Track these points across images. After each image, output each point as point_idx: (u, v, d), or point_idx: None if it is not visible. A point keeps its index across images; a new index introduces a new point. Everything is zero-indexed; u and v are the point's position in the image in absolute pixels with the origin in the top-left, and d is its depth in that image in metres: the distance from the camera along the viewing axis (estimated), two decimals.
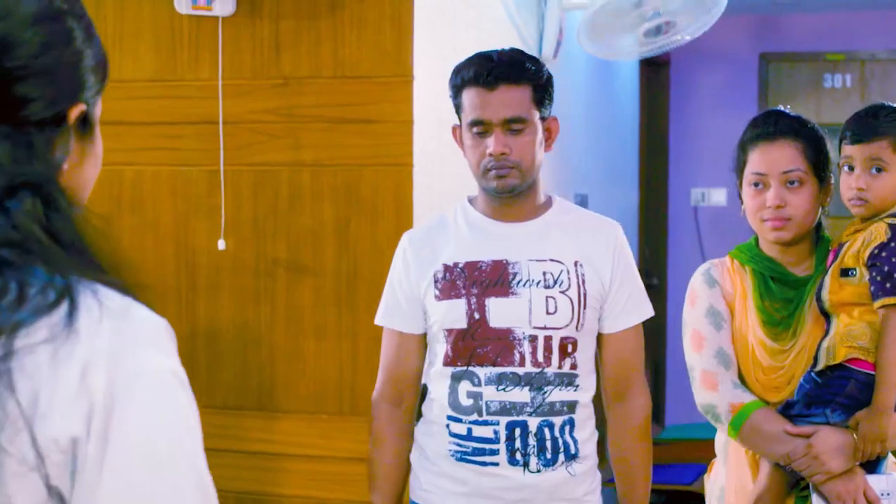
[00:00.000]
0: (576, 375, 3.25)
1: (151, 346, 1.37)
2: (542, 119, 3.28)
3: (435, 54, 4.36)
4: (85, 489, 1.27)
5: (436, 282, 3.29)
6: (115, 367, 1.30)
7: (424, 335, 3.38)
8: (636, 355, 3.41)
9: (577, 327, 3.24)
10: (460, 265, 3.28)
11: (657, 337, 8.69)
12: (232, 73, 4.38)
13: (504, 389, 3.21)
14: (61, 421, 1.26)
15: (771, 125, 3.32)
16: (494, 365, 3.21)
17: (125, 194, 4.50)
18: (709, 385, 3.31)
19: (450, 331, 3.26)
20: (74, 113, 1.45)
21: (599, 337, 3.36)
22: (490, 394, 3.22)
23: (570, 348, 3.25)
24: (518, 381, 3.21)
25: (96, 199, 4.71)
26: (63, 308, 1.30)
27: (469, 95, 3.25)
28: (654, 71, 9.09)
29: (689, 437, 7.06)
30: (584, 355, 3.29)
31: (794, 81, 9.29)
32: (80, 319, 1.31)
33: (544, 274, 3.24)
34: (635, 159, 8.67)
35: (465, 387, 3.25)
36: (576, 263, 3.27)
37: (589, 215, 3.46)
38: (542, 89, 3.27)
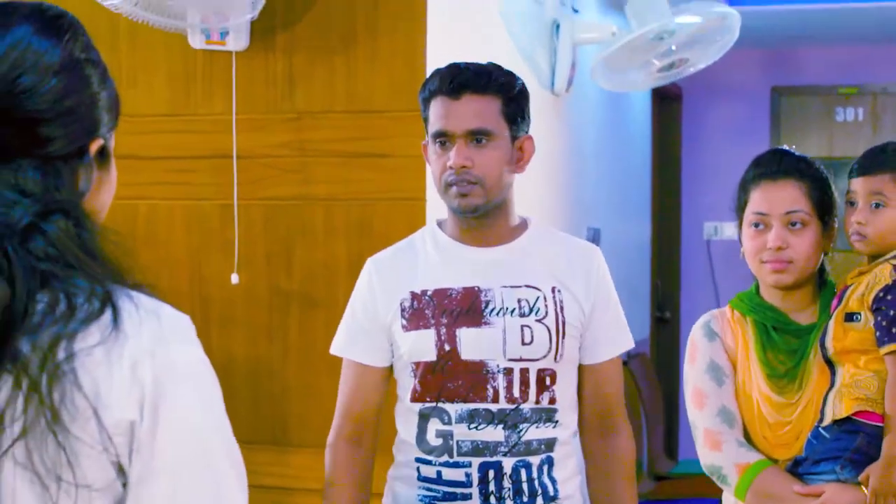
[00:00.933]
0: (555, 410, 3.02)
1: (183, 339, 1.63)
2: (514, 137, 3.04)
3: None
4: (142, 462, 1.54)
5: (402, 311, 3.05)
6: (158, 360, 1.56)
7: (388, 368, 3.14)
8: (618, 389, 3.20)
9: (555, 358, 3.01)
10: (429, 293, 3.04)
11: (669, 369, 8.67)
12: (245, 107, 4.40)
13: (476, 428, 2.96)
14: (119, 409, 1.52)
15: (774, 164, 3.22)
16: (465, 401, 2.97)
17: (139, 228, 4.51)
18: (712, 445, 3.16)
19: (417, 364, 3.02)
20: (94, 147, 1.68)
21: (579, 369, 3.13)
22: (461, 433, 2.97)
23: (548, 381, 3.01)
24: (491, 418, 2.96)
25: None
26: (108, 313, 1.54)
27: (434, 106, 3.04)
28: (667, 104, 9.10)
29: (702, 472, 7.04)
30: (565, 388, 3.05)
31: (806, 115, 9.30)
32: (124, 322, 1.55)
33: (519, 301, 3.01)
34: (647, 193, 8.67)
35: (434, 425, 3.00)
36: (553, 290, 3.04)
37: (567, 239, 3.22)
38: (514, 103, 3.03)
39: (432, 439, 3.01)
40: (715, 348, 3.24)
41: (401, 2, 4.24)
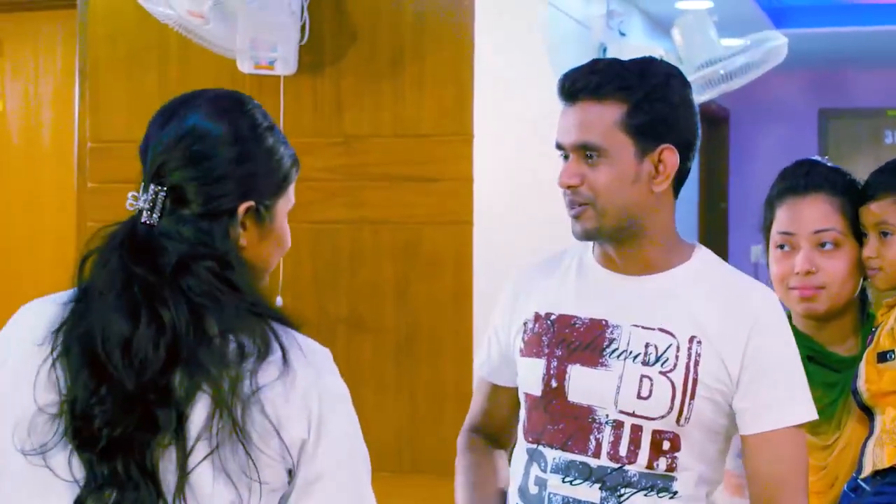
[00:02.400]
0: (672, 480, 2.48)
1: (331, 371, 2.00)
2: (645, 150, 2.48)
3: (495, 113, 4.37)
4: (307, 467, 1.93)
5: (524, 332, 2.63)
6: (320, 391, 1.95)
7: (516, 390, 2.72)
8: (786, 470, 2.49)
9: (678, 420, 2.46)
10: (553, 317, 2.58)
11: None
12: (293, 131, 4.40)
13: (570, 482, 2.50)
14: (294, 429, 1.91)
15: (801, 177, 2.81)
16: (564, 449, 2.52)
17: None
18: (733, 489, 2.77)
19: (527, 396, 2.61)
20: (242, 209, 1.99)
21: (742, 441, 2.54)
22: (554, 484, 2.52)
23: (666, 445, 2.47)
24: (588, 474, 2.49)
25: None
26: (278, 353, 1.90)
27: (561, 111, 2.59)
28: (714, 126, 9.09)
29: None
30: (694, 458, 2.49)
31: (854, 137, 9.26)
32: (292, 361, 1.92)
33: (646, 346, 2.49)
34: (695, 216, 8.65)
35: (534, 470, 2.57)
36: (691, 339, 2.48)
37: (734, 280, 2.59)
38: (645, 108, 2.47)
39: (531, 486, 2.58)
40: None
41: (448, 25, 4.25)
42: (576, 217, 2.51)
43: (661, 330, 2.49)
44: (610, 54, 5.53)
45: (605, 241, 2.54)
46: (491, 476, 2.76)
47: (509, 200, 4.44)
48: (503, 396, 2.75)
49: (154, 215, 1.95)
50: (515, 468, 2.63)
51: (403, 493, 4.27)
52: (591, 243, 2.61)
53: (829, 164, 2.86)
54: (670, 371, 2.46)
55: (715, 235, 9.18)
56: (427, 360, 4.20)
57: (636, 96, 2.46)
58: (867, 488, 2.60)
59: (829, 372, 2.77)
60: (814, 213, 2.76)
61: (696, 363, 2.46)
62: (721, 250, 9.26)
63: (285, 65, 4.30)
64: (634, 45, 5.86)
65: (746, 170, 9.42)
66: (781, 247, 2.80)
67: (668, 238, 2.56)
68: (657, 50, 5.66)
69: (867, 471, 2.59)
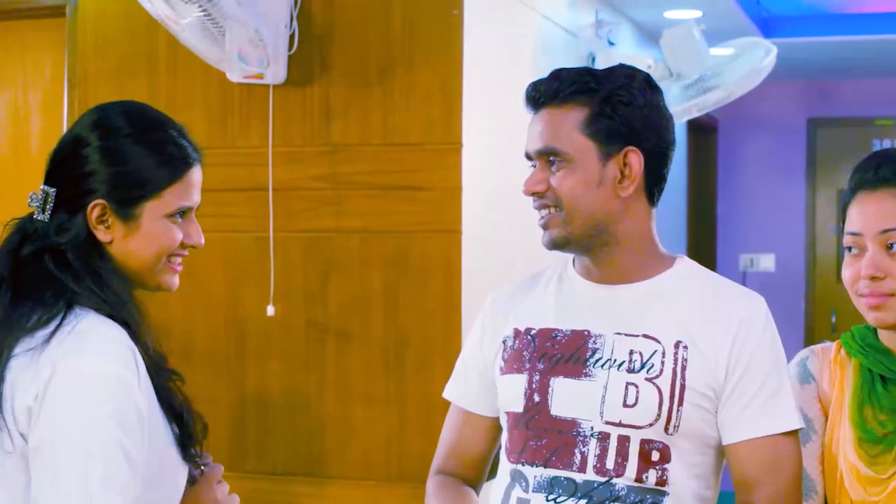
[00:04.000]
0: (663, 494, 2.37)
1: (92, 356, 2.06)
2: (608, 154, 2.43)
3: (484, 122, 4.38)
4: (33, 435, 2.04)
5: (504, 350, 2.55)
6: (59, 367, 2.05)
7: (496, 419, 2.61)
8: (768, 478, 2.39)
9: (666, 429, 2.37)
10: (533, 332, 2.51)
11: None
12: (282, 140, 4.42)
13: (555, 500, 2.38)
14: (24, 397, 2.05)
15: (871, 170, 2.46)
16: (547, 465, 2.41)
17: None
18: None
19: (508, 415, 2.51)
20: (90, 207, 2.18)
21: (725, 452, 2.46)
22: None
23: (655, 456, 2.37)
24: (573, 490, 2.37)
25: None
26: (52, 327, 2.08)
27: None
28: (702, 136, 9.10)
29: None
30: (684, 470, 2.39)
31: (842, 146, 9.27)
32: (55, 337, 2.07)
33: (630, 353, 2.41)
34: (683, 225, 8.66)
35: (516, 492, 2.45)
36: (677, 345, 2.40)
37: (719, 285, 2.53)
38: (607, 111, 2.43)
39: None
40: (807, 394, 2.54)
41: (437, 35, 4.26)
42: (544, 226, 2.46)
43: (646, 336, 2.42)
44: (599, 64, 5.55)
45: (577, 250, 2.50)
46: None
47: (498, 209, 4.44)
48: (481, 428, 2.64)
49: (42, 213, 2.21)
50: (495, 494, 2.51)
51: (391, 502, 4.28)
52: (570, 258, 2.57)
53: None
54: (656, 377, 2.38)
55: (703, 244, 9.18)
56: (416, 369, 4.20)
57: (597, 99, 2.43)
58: None
59: None
60: (882, 211, 2.41)
61: (684, 368, 2.38)
62: (710, 259, 9.27)
63: (275, 73, 4.30)
64: (623, 54, 5.87)
65: (734, 179, 9.43)
66: (850, 249, 2.46)
67: (644, 246, 2.51)
68: (646, 60, 5.68)
69: None
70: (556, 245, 2.47)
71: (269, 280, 4.40)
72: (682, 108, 5.62)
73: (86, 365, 2.06)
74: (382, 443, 4.30)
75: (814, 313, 8.96)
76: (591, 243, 2.47)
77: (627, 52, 6.17)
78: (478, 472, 2.68)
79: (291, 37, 4.33)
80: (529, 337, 2.51)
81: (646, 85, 2.49)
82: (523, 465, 2.44)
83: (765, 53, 5.46)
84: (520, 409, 2.46)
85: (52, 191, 2.21)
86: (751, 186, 9.32)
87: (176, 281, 2.37)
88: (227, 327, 4.48)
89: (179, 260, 2.36)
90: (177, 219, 2.29)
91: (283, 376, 4.43)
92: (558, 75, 2.48)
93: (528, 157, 2.51)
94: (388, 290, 4.30)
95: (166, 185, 2.25)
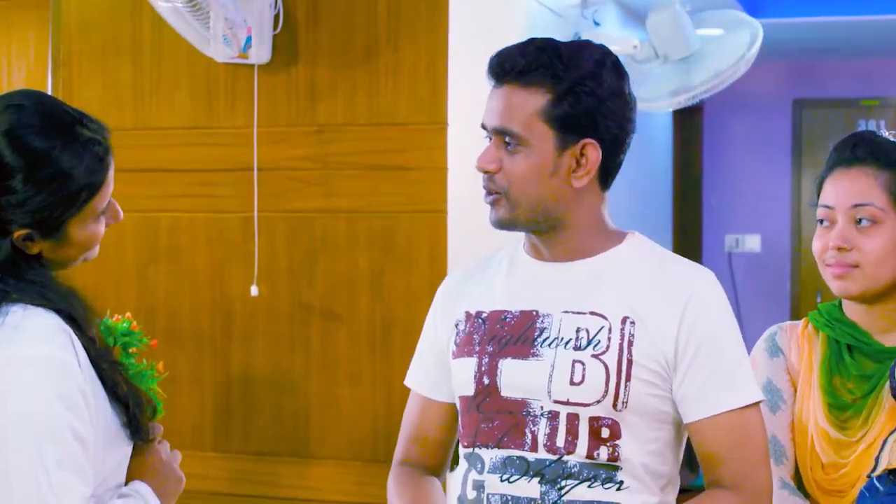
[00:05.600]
0: (616, 469, 2.35)
1: (28, 344, 2.05)
2: (565, 144, 2.38)
3: (469, 102, 4.37)
4: None
5: (456, 334, 2.53)
6: None
7: (454, 406, 2.58)
8: (734, 454, 2.37)
9: (615, 405, 2.34)
10: (483, 315, 2.48)
11: None
12: (267, 120, 4.41)
13: (508, 480, 2.38)
14: None
15: (848, 149, 2.62)
16: (499, 446, 2.39)
17: (161, 241, 4.53)
18: None
19: (461, 399, 2.50)
20: (15, 235, 2.14)
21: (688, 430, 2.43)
22: (493, 485, 2.39)
23: (605, 433, 2.35)
24: (526, 469, 2.37)
25: (134, 245, 4.73)
26: None
27: None
28: (688, 117, 9.10)
29: None
30: (637, 446, 2.37)
31: (827, 127, 9.28)
32: None
33: (577, 331, 2.38)
34: (669, 205, 8.67)
35: (471, 475, 2.44)
36: (624, 320, 2.37)
37: (667, 260, 2.50)
38: (569, 99, 2.36)
39: (469, 492, 2.44)
40: (775, 367, 2.68)
41: (422, 15, 4.25)
42: (490, 204, 2.44)
43: (593, 313, 2.38)
44: None
45: (525, 231, 2.47)
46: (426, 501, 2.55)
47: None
48: (440, 414, 2.61)
49: None
50: (454, 481, 2.50)
51: (378, 483, 4.28)
52: (523, 238, 2.53)
53: (882, 136, 2.65)
54: (602, 353, 2.35)
55: (688, 224, 9.20)
56: (402, 349, 4.19)
57: (562, 87, 2.36)
58: (880, 488, 2.43)
59: (867, 362, 2.60)
60: (854, 187, 2.57)
61: (630, 343, 2.35)
62: (695, 240, 9.29)
63: (259, 53, 4.29)
64: (608, 34, 5.87)
65: (720, 160, 9.44)
66: (821, 221, 2.63)
67: (593, 226, 2.46)
68: (632, 40, 5.67)
69: (881, 468, 2.43)
70: (501, 225, 2.44)
71: (253, 260, 4.39)
72: (671, 95, 5.62)
73: (23, 351, 2.05)
74: (368, 423, 4.30)
75: (800, 293, 8.98)
76: (538, 227, 2.44)
77: (613, 32, 6.16)
78: (440, 458, 2.66)
79: (276, 17, 4.31)
80: (480, 320, 2.48)
81: (613, 72, 2.42)
82: (478, 447, 2.42)
83: (751, 38, 5.45)
84: (471, 392, 2.44)
85: None
86: (736, 167, 9.33)
87: (97, 250, 2.32)
88: (213, 308, 4.48)
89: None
90: (101, 215, 2.26)
91: (268, 357, 4.42)
92: (524, 50, 2.41)
93: (485, 128, 2.45)
94: (373, 270, 4.30)
95: (88, 199, 2.20)
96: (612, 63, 2.43)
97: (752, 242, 9.21)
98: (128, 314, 3.98)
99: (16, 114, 2.15)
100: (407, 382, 2.70)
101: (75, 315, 2.15)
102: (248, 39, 4.22)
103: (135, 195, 4.36)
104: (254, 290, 4.37)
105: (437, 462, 2.65)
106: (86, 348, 2.15)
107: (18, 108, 2.16)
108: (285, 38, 4.35)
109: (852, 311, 2.63)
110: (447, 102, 4.22)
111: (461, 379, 2.47)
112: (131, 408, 2.21)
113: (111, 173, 2.24)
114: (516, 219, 2.41)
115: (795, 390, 2.65)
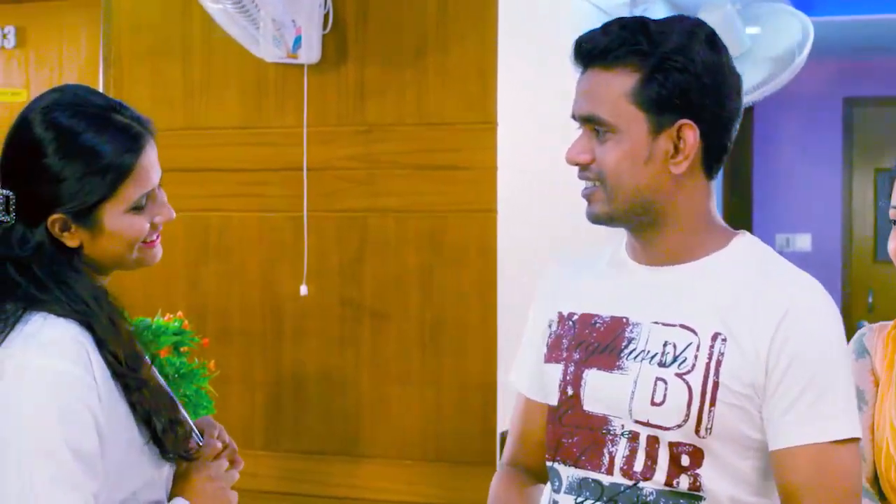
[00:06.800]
0: (699, 500, 2.11)
1: (40, 355, 2.04)
2: (659, 127, 2.13)
3: (519, 101, 4.36)
4: None
5: (549, 335, 2.32)
6: (7, 363, 2.03)
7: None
8: (811, 493, 2.07)
9: (697, 431, 2.09)
10: (575, 317, 2.27)
11: None
12: (317, 120, 4.42)
13: (582, 503, 2.19)
14: None
15: None
16: (577, 465, 2.20)
17: (212, 240, 4.55)
18: None
19: (548, 408, 2.29)
20: (50, 221, 2.13)
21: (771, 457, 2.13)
22: None
23: (686, 460, 2.11)
24: (600, 493, 2.18)
25: (184, 245, 4.75)
26: (6, 330, 2.07)
27: None
28: None
29: None
30: (722, 476, 2.12)
31: (879, 125, 9.21)
32: (10, 337, 2.06)
33: (664, 345, 2.14)
34: (719, 204, 8.63)
35: (550, 493, 2.28)
36: (715, 336, 2.11)
37: (770, 267, 2.20)
38: (660, 78, 2.11)
39: None
40: (860, 368, 2.48)
41: (472, 14, 4.25)
42: (587, 198, 2.18)
43: (683, 326, 2.13)
44: None
45: (623, 227, 2.22)
46: None
47: (533, 189, 4.43)
48: (542, 416, 2.33)
49: (7, 215, 2.17)
50: (545, 494, 2.33)
51: (427, 482, 4.28)
52: (625, 236, 2.28)
53: None
54: (687, 373, 2.10)
55: (739, 224, 9.11)
56: (451, 348, 4.20)
57: (649, 64, 2.11)
58: None
59: None
60: None
61: (719, 363, 2.09)
62: None
63: (309, 53, 4.30)
64: None
65: (770, 158, 9.39)
66: (894, 222, 2.41)
67: (697, 224, 2.22)
68: None
69: None
70: (598, 220, 2.20)
71: (303, 260, 4.40)
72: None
73: (32, 362, 2.05)
74: (418, 422, 4.31)
75: (851, 293, 8.91)
76: (637, 221, 2.19)
77: None
78: (543, 458, 2.38)
79: (326, 17, 4.33)
80: (571, 323, 2.27)
81: (707, 45, 2.16)
82: (558, 463, 2.23)
83: (802, 36, 5.41)
84: (555, 402, 2.24)
85: (11, 195, 2.16)
86: (787, 166, 9.27)
87: (157, 253, 2.28)
88: (263, 307, 4.49)
89: (155, 235, 2.26)
90: (140, 208, 2.21)
91: (317, 356, 4.43)
92: (608, 29, 2.17)
93: (574, 118, 2.21)
94: (423, 270, 4.30)
95: (120, 183, 2.17)
96: (707, 35, 2.18)
97: (803, 242, 9.15)
98: (179, 313, 4.03)
99: (55, 94, 2.22)
100: (510, 378, 2.47)
101: (96, 326, 2.12)
102: (298, 39, 4.23)
103: (185, 195, 4.38)
104: (303, 290, 4.38)
105: (543, 463, 2.36)
106: (106, 361, 2.11)
107: (59, 91, 2.23)
108: (334, 38, 4.36)
109: None
110: (496, 102, 4.21)
111: (549, 386, 2.26)
112: (155, 425, 2.15)
113: (147, 162, 2.20)
114: (614, 213, 2.17)
115: (877, 389, 2.46)
